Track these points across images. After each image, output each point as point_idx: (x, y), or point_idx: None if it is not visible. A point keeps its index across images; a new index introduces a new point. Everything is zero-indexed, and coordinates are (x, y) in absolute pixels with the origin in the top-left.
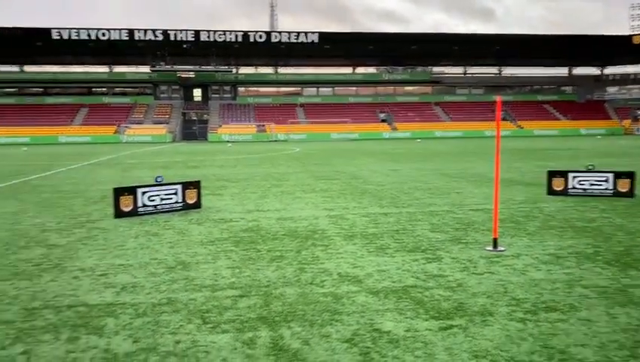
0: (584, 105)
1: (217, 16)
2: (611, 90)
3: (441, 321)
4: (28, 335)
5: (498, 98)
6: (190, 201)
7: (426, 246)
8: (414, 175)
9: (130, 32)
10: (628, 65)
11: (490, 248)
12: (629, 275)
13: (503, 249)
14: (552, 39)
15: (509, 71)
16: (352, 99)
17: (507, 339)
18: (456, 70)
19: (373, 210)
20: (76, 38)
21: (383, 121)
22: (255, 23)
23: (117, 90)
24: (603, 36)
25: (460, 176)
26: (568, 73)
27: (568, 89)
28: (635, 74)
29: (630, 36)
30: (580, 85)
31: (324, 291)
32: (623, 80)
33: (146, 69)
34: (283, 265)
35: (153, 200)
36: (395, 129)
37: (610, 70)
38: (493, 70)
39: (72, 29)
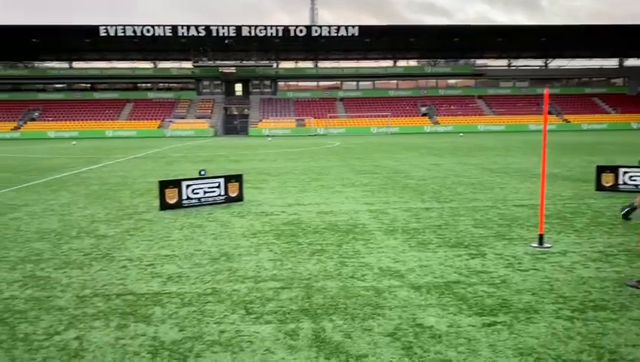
0: (636, 97)
1: (256, 11)
2: None
3: (485, 318)
4: (80, 322)
5: (546, 90)
6: (232, 194)
7: (469, 242)
8: (457, 169)
9: (174, 28)
10: None
11: (536, 244)
12: None
13: (549, 245)
14: (601, 29)
15: (555, 63)
16: (392, 93)
17: (554, 337)
18: (500, 63)
19: (415, 205)
20: (122, 34)
21: (425, 114)
22: (294, 18)
23: (161, 85)
24: None
25: (503, 171)
26: (619, 65)
27: (619, 81)
28: None
29: None
30: (632, 77)
31: (366, 285)
32: None
33: (188, 64)
34: (324, 258)
35: (197, 193)
36: (436, 123)
37: None
38: (539, 62)
39: (118, 25)
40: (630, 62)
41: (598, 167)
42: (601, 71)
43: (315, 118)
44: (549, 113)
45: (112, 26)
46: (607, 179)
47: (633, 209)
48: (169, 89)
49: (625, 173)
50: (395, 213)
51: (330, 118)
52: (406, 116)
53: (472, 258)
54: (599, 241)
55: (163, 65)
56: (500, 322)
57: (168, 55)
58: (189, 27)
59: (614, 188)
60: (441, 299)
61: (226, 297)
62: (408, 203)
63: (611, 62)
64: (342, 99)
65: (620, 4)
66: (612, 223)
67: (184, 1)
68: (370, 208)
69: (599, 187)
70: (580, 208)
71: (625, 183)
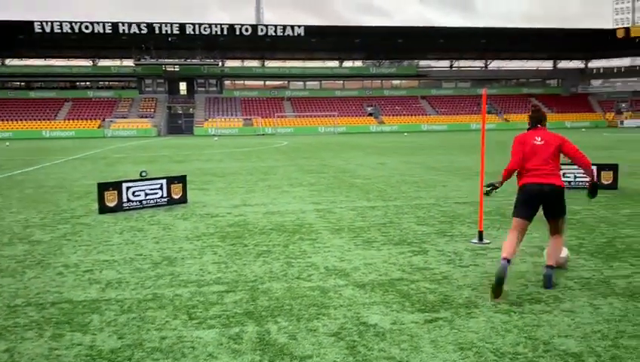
0: (569, 98)
1: (196, 8)
2: (595, 83)
3: (427, 314)
4: (10, 333)
5: (483, 91)
6: (176, 196)
7: (412, 239)
8: (401, 168)
9: (114, 25)
10: (612, 59)
11: (476, 241)
12: (611, 266)
13: (488, 241)
14: (537, 32)
15: (495, 64)
16: (339, 93)
17: (492, 331)
18: (443, 64)
19: (361, 204)
20: (59, 31)
21: (370, 114)
22: (234, 17)
23: (101, 84)
24: (588, 30)
25: (446, 170)
26: (553, 66)
27: (553, 82)
28: (619, 67)
29: (614, 30)
30: (565, 78)
31: (311, 285)
32: (607, 73)
33: (130, 62)
34: (270, 259)
35: (138, 196)
36: (382, 122)
37: (594, 64)
38: (479, 64)
39: (54, 22)
40: (563, 64)
41: None
42: (537, 72)
43: (262, 117)
44: (489, 113)
45: (47, 22)
46: None
47: (494, 187)
48: (109, 88)
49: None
50: (341, 212)
51: (278, 117)
52: (352, 116)
53: (415, 255)
54: (536, 236)
55: (103, 63)
56: (442, 318)
57: (109, 53)
58: (130, 24)
59: None
60: (385, 297)
61: (168, 302)
62: (354, 202)
63: (546, 64)
64: (289, 99)
65: (552, 7)
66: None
67: None
68: (317, 207)
69: None
70: None
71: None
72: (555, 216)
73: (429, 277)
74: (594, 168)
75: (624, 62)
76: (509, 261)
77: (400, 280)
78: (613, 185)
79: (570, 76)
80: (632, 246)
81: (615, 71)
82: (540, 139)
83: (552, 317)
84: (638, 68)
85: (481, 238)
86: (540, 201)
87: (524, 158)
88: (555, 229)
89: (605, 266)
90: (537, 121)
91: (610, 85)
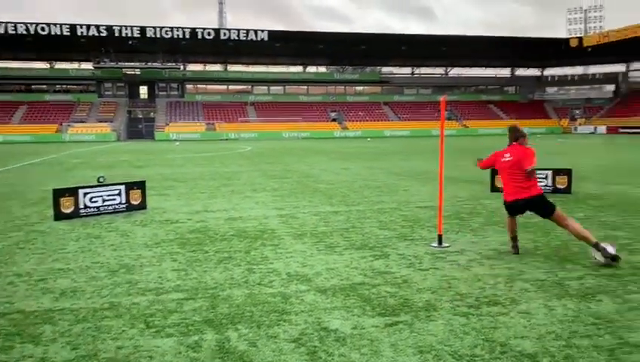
0: (526, 104)
1: (155, 11)
2: (551, 90)
3: (387, 318)
4: None
5: (442, 98)
6: (135, 202)
7: (374, 244)
8: (364, 173)
9: (72, 27)
10: (566, 67)
11: (435, 244)
12: (565, 268)
13: (447, 245)
14: (496, 41)
15: (455, 71)
16: (303, 98)
17: (451, 334)
18: (405, 71)
19: (324, 209)
20: (13, 32)
21: (334, 120)
22: (196, 21)
23: (59, 87)
24: (543, 39)
25: (407, 175)
26: (511, 74)
27: (511, 89)
28: (572, 75)
29: (568, 39)
30: (522, 86)
31: (273, 291)
32: (561, 81)
33: (89, 65)
34: (231, 266)
35: (95, 202)
36: (345, 128)
37: (549, 71)
38: (440, 70)
39: (8, 22)
40: (520, 71)
41: (492, 170)
42: (495, 79)
43: (225, 122)
44: (449, 119)
45: (1, 23)
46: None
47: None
48: (67, 91)
49: None
50: (304, 217)
51: (242, 122)
52: (316, 121)
53: (377, 259)
54: (493, 240)
55: (61, 65)
56: (402, 321)
57: (67, 55)
58: (89, 27)
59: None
60: (346, 302)
61: (125, 311)
62: (317, 207)
63: (504, 72)
64: (253, 104)
65: (507, 16)
66: (504, 222)
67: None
68: (280, 213)
69: (493, 188)
70: (476, 208)
71: None
72: (547, 215)
73: (390, 281)
74: (549, 172)
75: (577, 70)
76: (515, 238)
77: (361, 284)
78: (567, 190)
79: (527, 83)
80: (585, 249)
81: (569, 79)
82: (508, 155)
83: (508, 319)
84: (590, 76)
85: (440, 242)
86: (524, 210)
87: (498, 171)
88: (560, 221)
89: (559, 268)
90: (513, 138)
91: (565, 92)
